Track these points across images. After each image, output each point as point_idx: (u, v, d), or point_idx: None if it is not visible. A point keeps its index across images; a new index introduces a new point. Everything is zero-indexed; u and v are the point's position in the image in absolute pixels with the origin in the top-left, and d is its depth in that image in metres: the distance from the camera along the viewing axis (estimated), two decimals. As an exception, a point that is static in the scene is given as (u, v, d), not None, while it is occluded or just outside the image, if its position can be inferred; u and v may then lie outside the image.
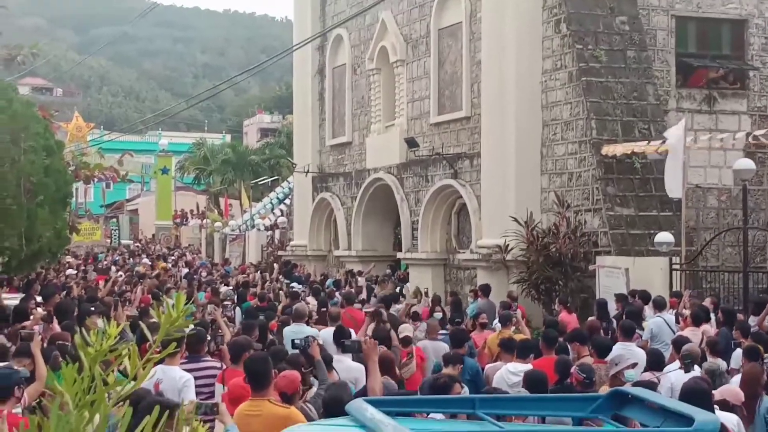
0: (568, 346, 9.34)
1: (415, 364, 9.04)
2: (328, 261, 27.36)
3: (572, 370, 7.66)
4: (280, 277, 21.74)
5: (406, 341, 9.47)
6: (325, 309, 13.14)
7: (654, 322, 11.78)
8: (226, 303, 15.33)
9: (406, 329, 9.94)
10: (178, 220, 49.78)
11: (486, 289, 16.32)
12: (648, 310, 12.61)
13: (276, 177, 46.02)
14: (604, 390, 7.23)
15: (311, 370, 7.09)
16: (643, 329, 11.69)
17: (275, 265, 25.30)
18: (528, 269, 16.94)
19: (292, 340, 7.52)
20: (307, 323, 11.51)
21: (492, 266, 18.16)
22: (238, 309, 15.46)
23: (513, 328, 10.89)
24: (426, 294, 17.55)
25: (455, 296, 17.18)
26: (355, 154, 25.88)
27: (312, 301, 15.20)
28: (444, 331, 11.30)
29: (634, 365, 7.99)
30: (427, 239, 21.66)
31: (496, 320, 12.44)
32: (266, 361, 6.18)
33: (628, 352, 8.82)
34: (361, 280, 20.41)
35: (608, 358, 8.29)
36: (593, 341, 9.26)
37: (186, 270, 27.62)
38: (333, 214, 26.76)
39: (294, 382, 6.28)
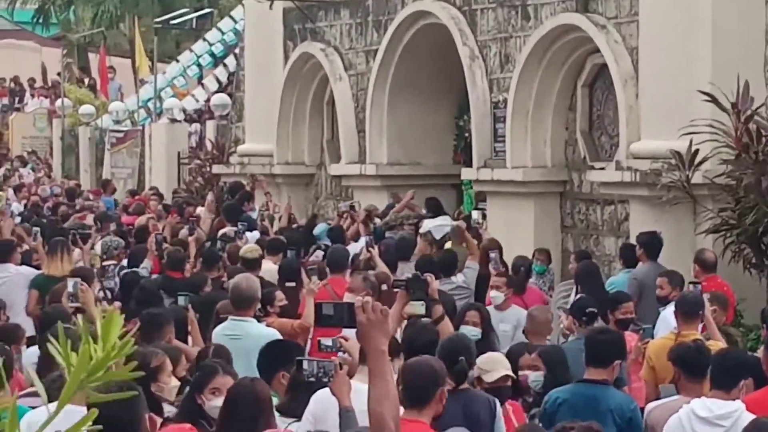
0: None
1: None
2: (318, 186, 27.67)
3: None
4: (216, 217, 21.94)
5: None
6: (293, 284, 13.63)
7: None
8: (107, 267, 15.70)
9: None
10: (5, 101, 50.12)
11: (651, 244, 16.49)
12: None
13: (207, 10, 45.97)
14: None
15: None
16: None
17: (210, 193, 25.37)
18: (737, 204, 17.12)
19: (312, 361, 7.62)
20: (260, 317, 11.70)
21: (663, 197, 18.22)
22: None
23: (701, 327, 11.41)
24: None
25: (586, 259, 17.58)
26: (375, -40, 25.84)
27: (271, 266, 15.44)
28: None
29: None
30: (525, 142, 21.85)
31: (666, 311, 12.71)
32: (133, 405, 6.44)
33: None
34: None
35: None
36: None
37: (19, 206, 27.99)
38: (328, 90, 26.91)
39: None
